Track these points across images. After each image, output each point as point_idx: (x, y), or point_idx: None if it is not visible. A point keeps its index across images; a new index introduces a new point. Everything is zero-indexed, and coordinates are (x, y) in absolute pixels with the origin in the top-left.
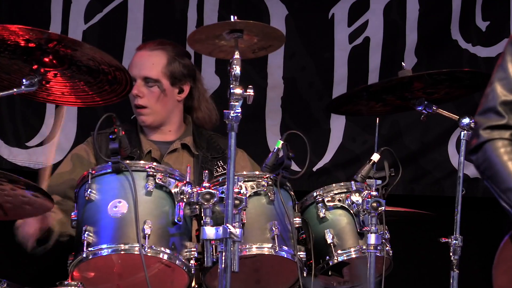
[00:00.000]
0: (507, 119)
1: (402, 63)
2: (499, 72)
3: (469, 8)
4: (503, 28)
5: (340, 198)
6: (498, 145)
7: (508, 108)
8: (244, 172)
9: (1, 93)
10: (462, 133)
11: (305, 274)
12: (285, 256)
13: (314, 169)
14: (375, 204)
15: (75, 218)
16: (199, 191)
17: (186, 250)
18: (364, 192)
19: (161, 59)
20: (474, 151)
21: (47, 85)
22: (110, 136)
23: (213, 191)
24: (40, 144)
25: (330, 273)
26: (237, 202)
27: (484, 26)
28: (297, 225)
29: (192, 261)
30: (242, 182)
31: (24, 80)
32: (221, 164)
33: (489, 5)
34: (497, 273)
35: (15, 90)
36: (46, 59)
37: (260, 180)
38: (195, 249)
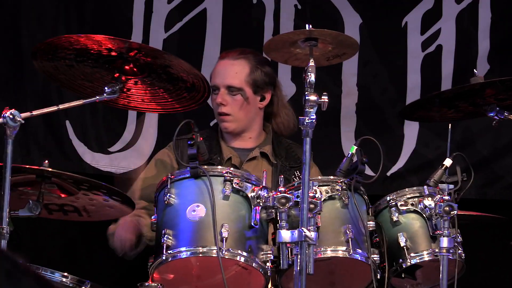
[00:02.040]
0: None
1: (474, 70)
2: None
3: None
4: None
5: (413, 202)
6: None
7: None
8: (319, 177)
9: (84, 101)
10: None
11: (378, 277)
12: (359, 258)
13: (388, 173)
14: (447, 208)
15: (155, 221)
16: (275, 195)
17: (262, 253)
18: (437, 197)
19: (244, 68)
20: None
21: (128, 93)
22: (189, 142)
23: (288, 195)
24: (122, 149)
25: (403, 276)
26: (312, 206)
27: None
28: (370, 229)
29: (268, 264)
30: (317, 186)
31: (106, 88)
32: (297, 174)
33: None
34: None
35: (97, 97)
36: (127, 67)
37: (335, 185)
38: (271, 252)
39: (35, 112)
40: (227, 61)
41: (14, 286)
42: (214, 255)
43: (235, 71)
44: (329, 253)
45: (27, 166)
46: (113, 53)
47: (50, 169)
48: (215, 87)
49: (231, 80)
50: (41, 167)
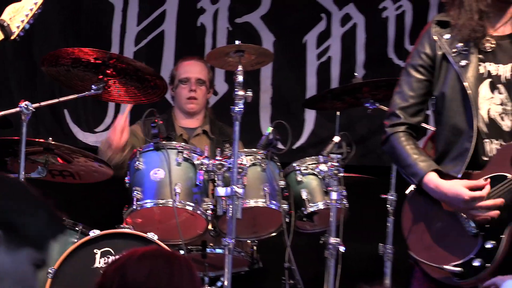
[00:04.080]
0: (403, 118)
1: (355, 74)
2: (397, 86)
3: (400, 36)
4: None
5: (312, 167)
6: (398, 135)
7: (403, 111)
8: (245, 149)
9: (78, 95)
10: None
11: (287, 220)
12: (274, 207)
13: (294, 147)
14: (336, 171)
15: (129, 181)
16: (214, 163)
17: (204, 203)
18: (329, 163)
19: (205, 68)
20: (384, 143)
21: (109, 89)
22: (152, 125)
23: (223, 162)
24: (104, 130)
25: (304, 219)
26: (240, 170)
27: (410, 48)
28: (282, 186)
29: (209, 211)
30: (243, 156)
31: (93, 86)
32: (227, 146)
33: (414, 34)
34: (403, 220)
35: (87, 93)
36: (108, 71)
37: (256, 155)
38: (211, 203)
39: (42, 103)
40: (195, 62)
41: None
42: (170, 205)
43: (201, 69)
44: (252, 203)
45: (37, 140)
46: (98, 61)
47: (53, 142)
48: (186, 79)
49: (200, 75)
50: (46, 142)
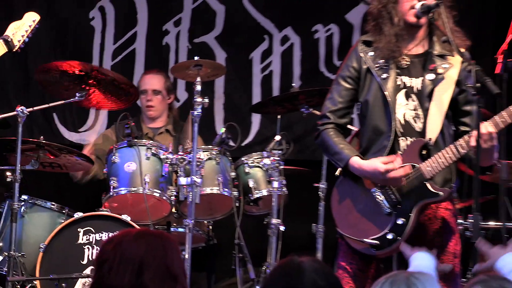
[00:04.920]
0: (332, 119)
1: (293, 85)
2: (329, 93)
3: (329, 53)
4: None
5: (258, 161)
6: (328, 131)
7: (332, 113)
8: (203, 146)
9: (64, 101)
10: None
11: (237, 205)
12: (226, 194)
13: (243, 144)
14: (277, 165)
15: (106, 172)
16: (177, 157)
17: (169, 191)
18: (271, 158)
19: (162, 80)
20: (316, 138)
21: (90, 97)
22: (126, 126)
23: (185, 157)
24: (86, 130)
25: (251, 204)
26: (198, 163)
27: (339, 63)
28: (232, 176)
29: (172, 197)
30: (201, 151)
31: (77, 94)
32: (188, 142)
33: (341, 52)
34: (332, 203)
35: (72, 99)
36: (90, 82)
37: (212, 151)
38: (174, 190)
39: (35, 108)
40: (152, 75)
41: None
42: (140, 192)
43: (157, 81)
44: (208, 191)
45: (30, 139)
46: (81, 72)
47: (44, 141)
48: (145, 91)
49: (156, 86)
50: (38, 140)
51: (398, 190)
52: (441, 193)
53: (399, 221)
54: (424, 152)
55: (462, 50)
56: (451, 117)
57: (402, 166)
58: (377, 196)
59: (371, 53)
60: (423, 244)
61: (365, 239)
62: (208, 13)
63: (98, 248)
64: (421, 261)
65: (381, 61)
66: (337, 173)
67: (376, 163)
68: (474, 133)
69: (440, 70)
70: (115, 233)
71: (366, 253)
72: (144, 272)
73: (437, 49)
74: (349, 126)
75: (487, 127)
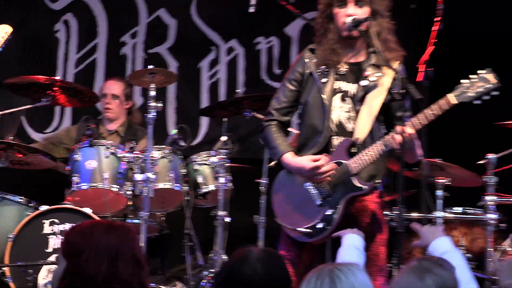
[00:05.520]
0: (276, 116)
1: (237, 91)
2: (275, 93)
3: (270, 63)
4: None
5: (206, 159)
6: (270, 127)
7: (277, 111)
8: (157, 145)
9: (31, 106)
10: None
11: (187, 198)
12: (177, 189)
13: (192, 144)
14: (223, 162)
15: (70, 168)
16: (133, 156)
17: (126, 186)
18: (218, 156)
19: (121, 86)
20: (260, 132)
21: (56, 99)
22: (87, 127)
23: (140, 155)
24: (51, 132)
25: (200, 198)
26: (152, 161)
27: (278, 72)
28: (183, 173)
29: (129, 192)
30: (155, 151)
31: (43, 99)
32: (134, 143)
33: (280, 61)
34: (272, 196)
35: (38, 104)
36: (55, 88)
37: (165, 150)
38: (131, 186)
39: (5, 111)
40: (112, 82)
41: None
42: (100, 187)
43: (117, 87)
44: (161, 186)
45: (1, 140)
46: (48, 82)
47: (12, 142)
48: (105, 95)
49: (114, 91)
50: (8, 140)
51: (328, 184)
52: (365, 187)
53: (329, 212)
54: (353, 150)
55: (396, 60)
56: (383, 121)
57: (328, 164)
58: (310, 190)
59: (315, 60)
60: None
61: (298, 228)
62: (161, 26)
63: (63, 238)
64: (352, 240)
65: (323, 67)
66: (271, 164)
67: (304, 161)
68: (397, 129)
69: (373, 78)
70: (76, 224)
71: (300, 240)
72: (118, 261)
73: (373, 59)
74: (290, 129)
75: (405, 128)
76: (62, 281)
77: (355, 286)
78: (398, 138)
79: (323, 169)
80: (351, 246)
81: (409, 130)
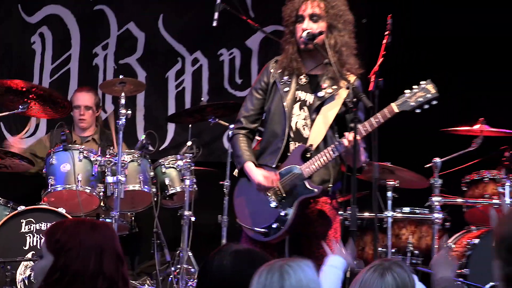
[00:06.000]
0: (244, 124)
1: (202, 99)
2: (244, 102)
3: (232, 73)
4: (248, 83)
5: (172, 163)
6: (238, 135)
7: (245, 118)
8: (127, 150)
9: (9, 112)
10: (230, 132)
11: (156, 199)
12: (146, 190)
13: (160, 149)
14: (189, 166)
15: (45, 171)
16: (105, 159)
17: (98, 188)
18: (184, 160)
19: (92, 97)
20: (229, 140)
21: (31, 108)
22: (62, 133)
23: (111, 159)
24: (28, 137)
25: (167, 198)
26: (122, 164)
27: (240, 82)
28: (151, 176)
29: (101, 193)
30: (125, 155)
31: (20, 106)
32: (112, 148)
33: (242, 72)
34: (234, 197)
35: (15, 111)
36: (31, 96)
37: (134, 154)
38: (102, 187)
39: None
40: (84, 93)
41: None
42: (74, 189)
43: (89, 98)
44: (131, 187)
45: None
46: (24, 89)
47: None
48: (78, 106)
49: (87, 102)
50: None
51: (283, 187)
52: (315, 190)
53: (283, 213)
54: (307, 155)
55: (354, 72)
56: (337, 130)
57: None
58: (267, 193)
59: (279, 70)
60: (308, 232)
61: (255, 228)
62: (130, 39)
63: (40, 236)
64: (333, 261)
65: (286, 77)
66: (234, 173)
67: (257, 175)
68: (347, 135)
69: (329, 90)
70: (59, 222)
71: (257, 239)
72: (103, 257)
73: (331, 72)
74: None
75: (348, 136)
76: (51, 275)
77: (302, 281)
78: (346, 143)
79: (267, 185)
80: (332, 266)
81: (351, 137)
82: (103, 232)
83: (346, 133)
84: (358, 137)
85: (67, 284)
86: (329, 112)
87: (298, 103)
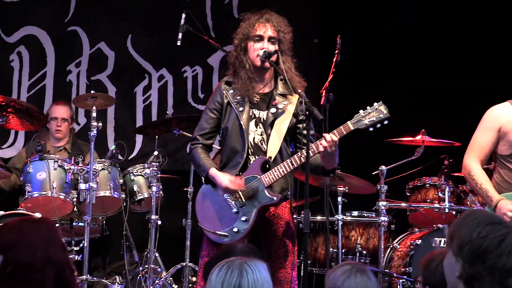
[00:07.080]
0: (200, 141)
1: (167, 112)
2: (200, 120)
3: (195, 88)
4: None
5: (140, 171)
6: (197, 149)
7: (201, 136)
8: (98, 159)
9: None
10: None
11: (125, 204)
12: (116, 196)
13: (129, 158)
14: (155, 173)
15: (23, 179)
16: (78, 168)
17: (71, 194)
18: (151, 168)
19: (68, 110)
20: (189, 154)
21: (10, 121)
22: (37, 143)
23: (84, 168)
24: (7, 147)
25: (135, 204)
26: (94, 172)
27: (202, 96)
28: (121, 183)
29: (74, 199)
30: (97, 164)
31: (0, 119)
32: (82, 158)
33: (204, 87)
34: (196, 203)
35: None
36: (9, 109)
37: (105, 163)
38: (76, 193)
39: None
40: (60, 106)
41: None
42: (49, 195)
43: (65, 111)
44: (102, 193)
45: None
46: (3, 103)
47: None
48: (55, 118)
49: (63, 115)
50: None
51: (244, 195)
52: (274, 197)
53: (243, 218)
54: (267, 166)
55: (299, 89)
56: (289, 141)
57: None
58: (228, 199)
59: (231, 91)
60: (268, 234)
61: (217, 231)
62: (101, 57)
63: None
64: None
65: (239, 97)
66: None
67: (223, 180)
68: (325, 136)
69: (280, 106)
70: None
71: (218, 241)
72: (50, 247)
73: (280, 89)
74: (214, 146)
75: (331, 136)
76: (4, 270)
77: (258, 281)
78: (325, 144)
79: (232, 189)
80: None
81: (334, 137)
82: (46, 225)
83: (325, 134)
84: (337, 138)
85: (20, 274)
86: (282, 125)
87: (253, 120)
